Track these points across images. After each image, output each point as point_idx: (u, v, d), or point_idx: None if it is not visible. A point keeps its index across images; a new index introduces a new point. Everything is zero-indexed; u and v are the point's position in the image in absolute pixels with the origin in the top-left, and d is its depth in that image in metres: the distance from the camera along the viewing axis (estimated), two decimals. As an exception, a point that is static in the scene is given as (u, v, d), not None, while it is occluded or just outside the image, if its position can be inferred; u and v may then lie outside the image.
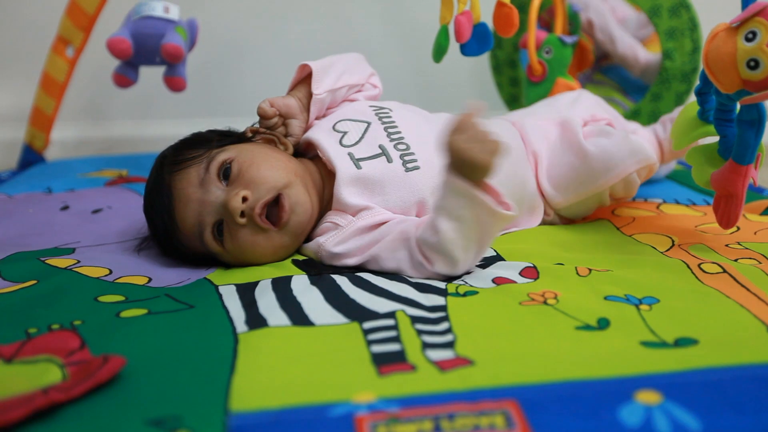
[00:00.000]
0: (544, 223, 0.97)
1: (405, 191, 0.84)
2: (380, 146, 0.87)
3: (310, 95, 0.92)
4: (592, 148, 0.91)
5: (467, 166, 0.71)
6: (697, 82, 0.82)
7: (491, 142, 0.70)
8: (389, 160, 0.85)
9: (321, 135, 0.89)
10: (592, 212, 0.99)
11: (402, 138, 0.88)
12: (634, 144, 0.90)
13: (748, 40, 0.68)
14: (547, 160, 0.96)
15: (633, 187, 0.92)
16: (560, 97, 1.12)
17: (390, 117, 0.91)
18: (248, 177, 0.80)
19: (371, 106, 0.94)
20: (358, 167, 0.84)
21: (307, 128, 0.93)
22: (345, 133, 0.88)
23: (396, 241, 0.78)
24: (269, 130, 0.91)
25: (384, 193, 0.83)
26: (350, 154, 0.86)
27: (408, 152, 0.87)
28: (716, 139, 0.82)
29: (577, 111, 1.04)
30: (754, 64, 0.68)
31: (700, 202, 1.08)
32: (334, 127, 0.89)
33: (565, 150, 0.94)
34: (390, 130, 0.89)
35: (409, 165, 0.85)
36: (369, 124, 0.90)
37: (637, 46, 1.44)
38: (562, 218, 0.98)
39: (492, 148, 0.70)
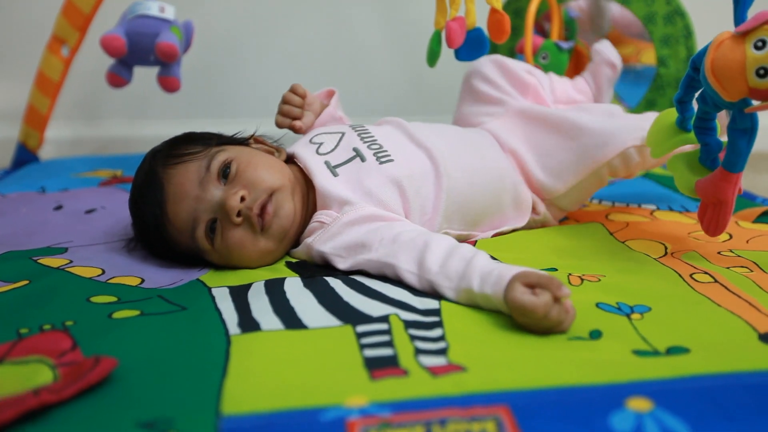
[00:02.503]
0: (535, 222, 0.97)
1: (381, 179, 0.85)
2: (354, 149, 0.90)
3: (323, 106, 1.02)
4: (586, 121, 0.92)
5: (521, 320, 0.65)
6: (677, 90, 0.82)
7: (556, 327, 0.63)
8: (363, 159, 0.88)
9: (299, 148, 0.92)
10: (588, 196, 0.99)
11: (375, 140, 0.91)
12: (630, 120, 0.92)
13: (757, 48, 0.68)
14: (532, 152, 0.96)
15: (632, 164, 0.93)
16: (482, 77, 1.09)
17: (364, 127, 0.95)
18: (246, 178, 0.82)
19: (347, 124, 0.98)
20: (335, 174, 0.87)
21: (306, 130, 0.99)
22: (321, 143, 0.92)
23: (382, 264, 0.77)
24: (289, 106, 0.98)
25: (363, 187, 0.85)
26: (327, 162, 0.88)
27: (381, 150, 0.89)
28: (694, 146, 0.83)
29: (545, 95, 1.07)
30: (763, 72, 0.68)
31: (694, 209, 1.09)
32: (310, 140, 0.93)
33: (552, 133, 0.95)
34: (363, 136, 0.92)
35: (383, 159, 0.88)
36: (343, 134, 0.93)
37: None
38: (555, 214, 0.99)
39: (550, 329, 0.63)
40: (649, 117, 0.92)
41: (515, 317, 0.64)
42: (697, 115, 0.79)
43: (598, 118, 0.95)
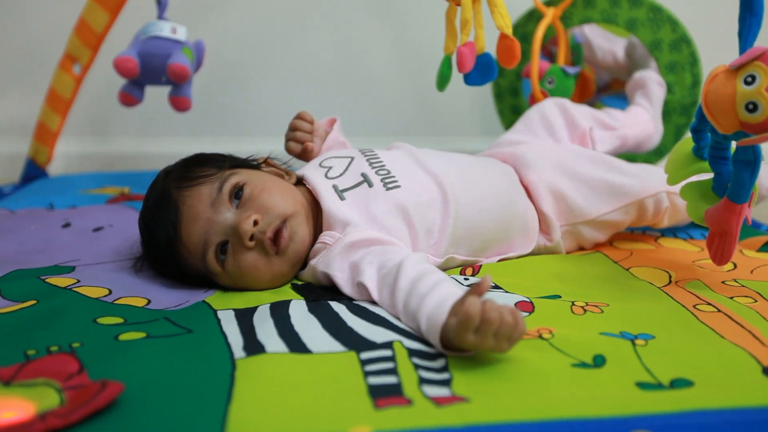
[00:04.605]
0: (546, 249, 0.98)
1: (387, 205, 0.86)
2: (362, 174, 0.90)
3: (327, 133, 1.04)
4: (625, 164, 1.01)
5: (469, 340, 0.62)
6: (693, 119, 0.83)
7: (507, 327, 0.61)
8: (370, 185, 0.89)
9: (309, 171, 0.93)
10: (608, 235, 1.02)
11: (383, 165, 0.92)
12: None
13: (747, 83, 0.69)
14: (567, 177, 0.98)
15: (661, 208, 0.99)
16: (545, 119, 1.14)
17: (373, 152, 0.95)
18: (259, 202, 0.83)
19: (356, 149, 0.99)
20: (342, 198, 0.87)
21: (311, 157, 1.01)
22: (330, 168, 0.93)
23: (369, 295, 0.78)
24: (302, 132, 1.01)
25: (369, 212, 0.85)
26: (335, 186, 0.89)
27: (389, 176, 0.90)
28: (710, 175, 0.83)
29: (568, 135, 1.11)
30: (752, 107, 0.69)
31: (698, 236, 1.09)
32: (320, 164, 0.94)
33: (593, 164, 1.00)
34: (372, 161, 0.93)
35: (390, 185, 0.88)
36: (353, 158, 0.94)
37: (614, 48, 1.45)
38: (569, 245, 0.99)
39: (509, 334, 0.62)
40: None
41: (473, 347, 0.62)
42: (711, 144, 0.80)
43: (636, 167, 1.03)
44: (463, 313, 0.61)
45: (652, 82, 1.32)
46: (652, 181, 0.99)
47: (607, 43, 1.46)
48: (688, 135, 0.85)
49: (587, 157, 1.03)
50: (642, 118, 1.25)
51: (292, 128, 1.02)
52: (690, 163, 0.85)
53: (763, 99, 0.68)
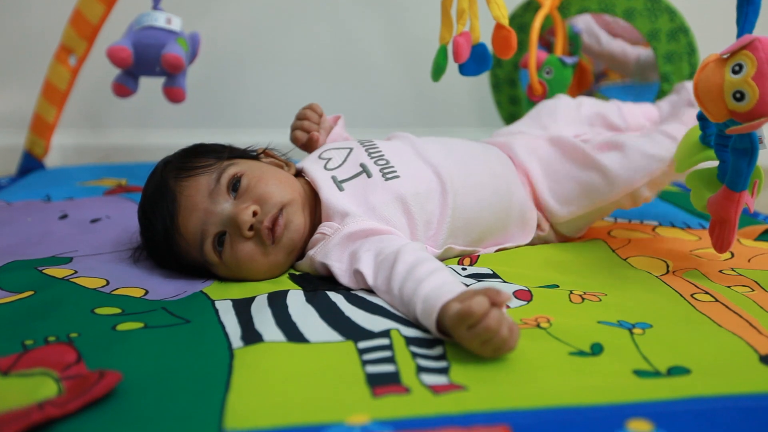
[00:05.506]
0: (539, 238, 0.98)
1: (386, 196, 0.86)
2: (361, 164, 0.90)
3: (332, 128, 1.03)
4: (607, 162, 0.94)
5: (464, 337, 0.62)
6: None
7: (499, 340, 0.60)
8: (369, 175, 0.88)
9: (308, 163, 0.93)
10: (590, 226, 1.00)
11: (382, 155, 0.92)
12: (647, 157, 0.94)
13: (734, 72, 0.70)
14: (545, 175, 0.98)
15: (640, 199, 0.96)
16: (552, 108, 1.14)
17: (372, 142, 0.95)
18: (257, 192, 0.83)
19: (355, 140, 0.98)
20: (341, 189, 0.87)
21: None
22: (329, 159, 0.92)
23: (361, 283, 0.79)
24: (309, 122, 1.00)
25: (367, 203, 0.85)
26: (333, 177, 0.89)
27: (388, 166, 0.90)
28: (717, 163, 0.83)
29: (568, 128, 1.08)
30: (739, 95, 0.69)
31: (696, 225, 1.09)
32: (319, 156, 0.94)
33: (572, 165, 0.97)
34: (371, 151, 0.93)
35: (389, 175, 0.88)
36: (351, 149, 0.94)
37: (623, 44, 1.45)
38: (557, 235, 1.00)
39: (497, 346, 0.60)
40: (669, 146, 0.95)
41: (460, 340, 0.62)
42: (716, 132, 0.80)
43: (614, 156, 0.95)
44: (465, 307, 0.60)
45: (681, 100, 1.28)
46: (629, 180, 0.93)
47: (615, 39, 1.46)
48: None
49: (570, 151, 0.98)
50: (649, 124, 1.23)
51: (300, 117, 1.01)
52: (697, 151, 0.85)
53: (749, 88, 0.69)
